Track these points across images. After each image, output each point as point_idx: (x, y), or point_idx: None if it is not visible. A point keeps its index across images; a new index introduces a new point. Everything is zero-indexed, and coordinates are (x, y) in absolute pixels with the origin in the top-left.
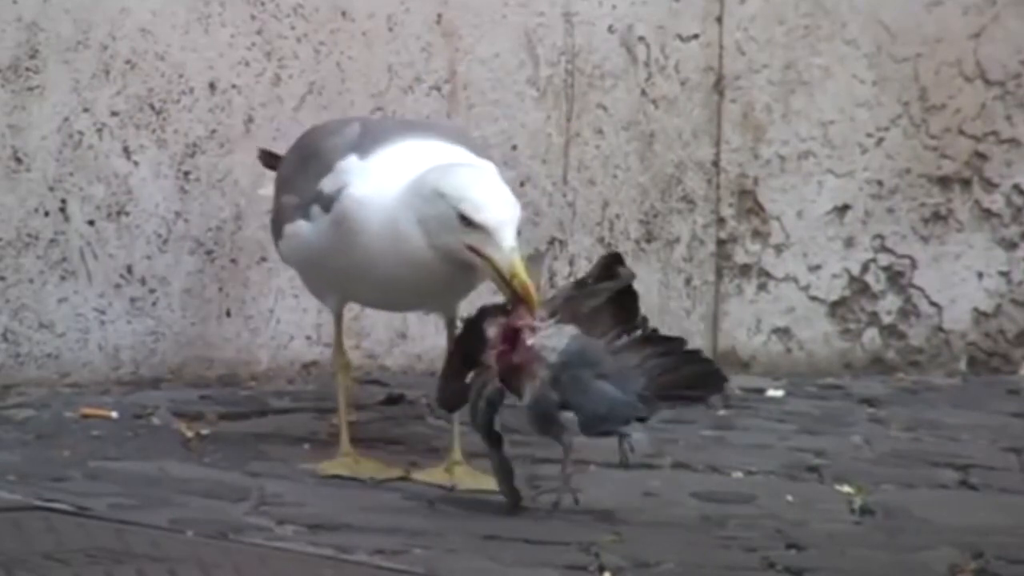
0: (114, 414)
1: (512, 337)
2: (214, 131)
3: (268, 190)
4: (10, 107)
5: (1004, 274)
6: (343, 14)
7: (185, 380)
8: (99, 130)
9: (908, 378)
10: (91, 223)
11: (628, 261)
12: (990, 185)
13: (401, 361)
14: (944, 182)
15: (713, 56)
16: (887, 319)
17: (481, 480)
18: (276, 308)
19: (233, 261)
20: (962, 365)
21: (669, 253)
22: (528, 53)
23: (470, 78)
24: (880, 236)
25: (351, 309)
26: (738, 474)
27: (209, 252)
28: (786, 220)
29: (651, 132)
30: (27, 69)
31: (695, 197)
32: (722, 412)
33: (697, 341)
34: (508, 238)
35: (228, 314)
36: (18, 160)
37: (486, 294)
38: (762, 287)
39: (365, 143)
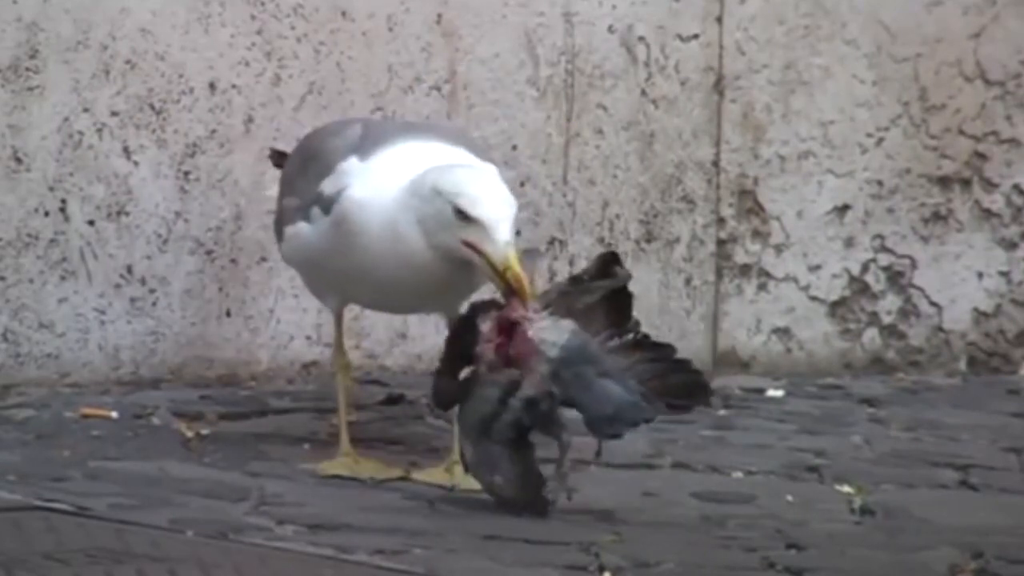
0: (114, 414)
1: (508, 329)
2: (214, 131)
3: (274, 191)
4: (10, 107)
5: (1004, 274)
6: (343, 14)
7: (185, 380)
8: (99, 130)
9: (908, 378)
10: (91, 223)
11: (628, 261)
12: (990, 185)
13: (401, 361)
14: (944, 182)
15: (713, 56)
16: (887, 319)
17: None
18: (276, 308)
19: (233, 261)
20: (962, 365)
21: (669, 253)
22: (528, 53)
23: (470, 78)
24: (880, 236)
25: (351, 309)
26: (738, 474)
27: (209, 252)
28: (786, 220)
29: (651, 132)
30: (27, 69)
31: (695, 197)
32: (722, 412)
33: (697, 341)
34: (504, 233)
35: (228, 314)
36: (18, 160)
37: (487, 295)
38: (762, 287)
39: (366, 145)
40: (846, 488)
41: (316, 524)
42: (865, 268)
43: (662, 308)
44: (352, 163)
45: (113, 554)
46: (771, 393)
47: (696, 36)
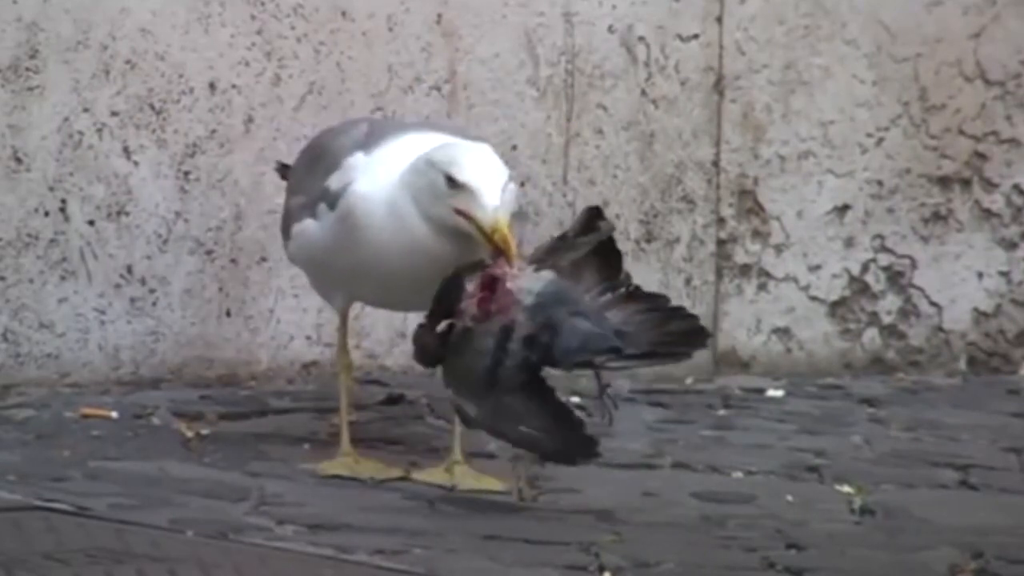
0: (114, 414)
1: (491, 284)
2: (214, 131)
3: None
4: (10, 107)
5: (1004, 274)
6: (343, 14)
7: (185, 380)
8: (99, 130)
9: (908, 378)
10: (91, 223)
11: (628, 261)
12: (990, 185)
13: (401, 361)
14: (944, 182)
15: (713, 56)
16: (887, 319)
17: (481, 480)
18: (276, 308)
19: (233, 261)
20: (962, 365)
21: (669, 253)
22: (528, 53)
23: (470, 78)
24: (880, 236)
25: (351, 309)
26: (738, 474)
27: (209, 252)
28: (786, 220)
29: (651, 132)
30: (27, 69)
31: (695, 197)
32: (722, 412)
33: None
34: (492, 197)
35: (228, 314)
36: (18, 160)
37: None
38: (762, 287)
39: (371, 140)
40: (846, 488)
41: (316, 524)
42: (865, 268)
43: None
44: (358, 158)
45: (113, 554)
46: (771, 393)
47: (696, 36)
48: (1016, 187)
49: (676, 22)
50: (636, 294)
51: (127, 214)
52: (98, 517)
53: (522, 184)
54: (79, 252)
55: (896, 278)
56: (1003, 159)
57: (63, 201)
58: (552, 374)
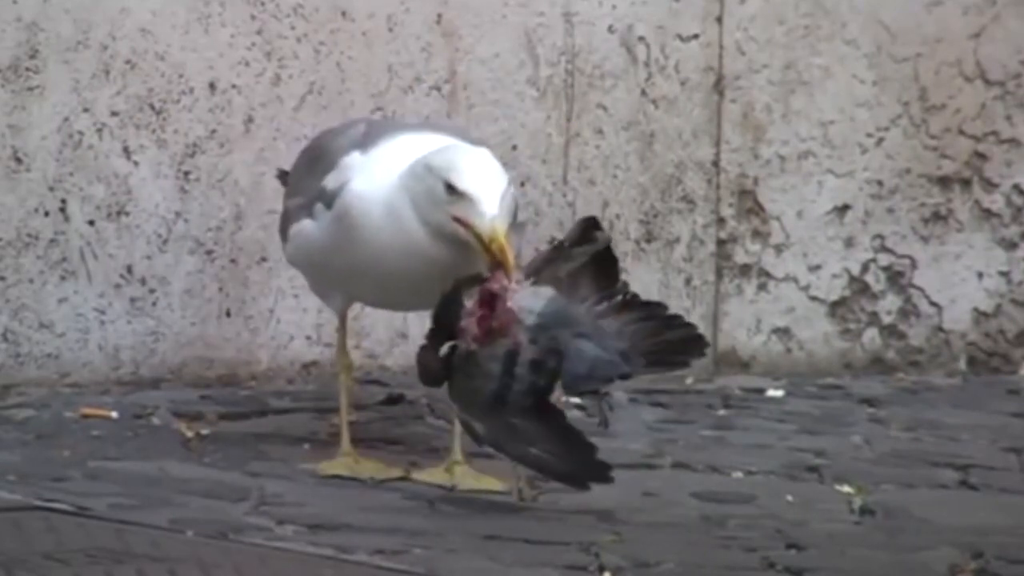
0: (114, 414)
1: (490, 301)
2: (214, 131)
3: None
4: (10, 107)
5: (1004, 274)
6: (343, 14)
7: (185, 380)
8: (99, 130)
9: (908, 378)
10: (91, 223)
11: (628, 261)
12: (990, 185)
13: (401, 361)
14: (944, 182)
15: (713, 56)
16: (887, 319)
17: (481, 480)
18: (276, 308)
19: (233, 261)
20: (962, 365)
21: (669, 253)
22: (528, 53)
23: (470, 78)
24: (880, 236)
25: (351, 308)
26: (738, 474)
27: (209, 252)
28: (786, 220)
29: (651, 132)
30: (27, 69)
31: (695, 197)
32: (722, 412)
33: None
34: (491, 206)
35: (228, 314)
36: (18, 160)
37: None
38: (762, 287)
39: (368, 140)
40: (846, 488)
41: (316, 524)
42: (865, 268)
43: None
44: (354, 157)
45: (113, 554)
46: (771, 393)
47: (696, 36)
48: (1016, 187)
49: (676, 22)
50: (633, 302)
51: (127, 214)
52: (98, 517)
53: (522, 184)
54: (79, 252)
55: (896, 278)
56: (1003, 159)
57: (63, 201)
58: None
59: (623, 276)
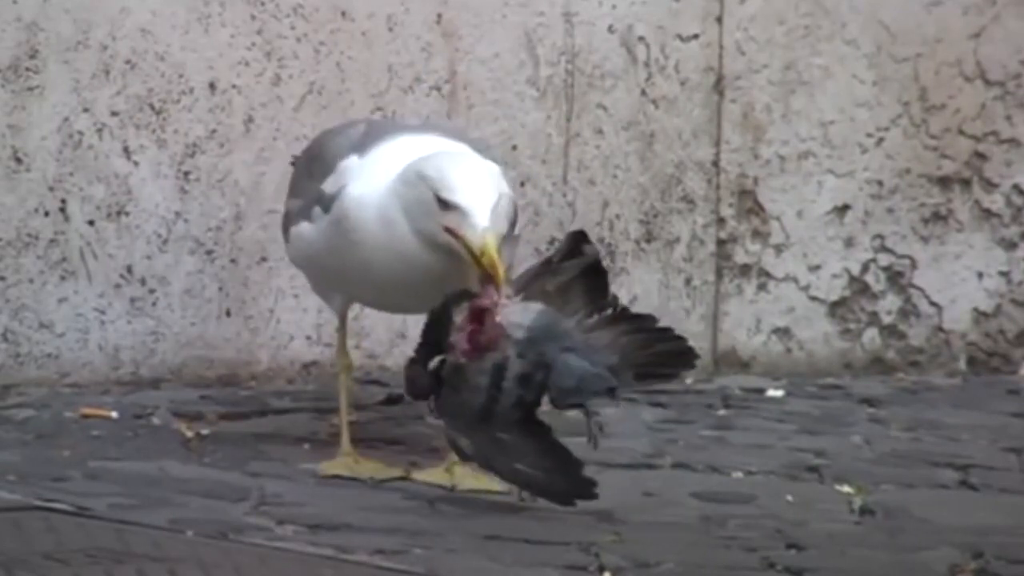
0: (114, 414)
1: (479, 316)
2: (214, 131)
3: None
4: (10, 107)
5: (1004, 274)
6: (343, 14)
7: (185, 380)
8: (99, 130)
9: (908, 378)
10: (91, 223)
11: (628, 261)
12: (990, 185)
13: (401, 361)
14: (944, 182)
15: (713, 56)
16: (887, 319)
17: (481, 480)
18: (276, 308)
19: (233, 261)
20: (962, 365)
21: (669, 253)
22: (528, 53)
23: (470, 78)
24: (880, 236)
25: (351, 309)
26: (738, 474)
27: (209, 252)
28: (786, 220)
29: (651, 132)
30: (27, 69)
31: (695, 197)
32: (722, 412)
33: (697, 341)
34: (482, 218)
35: (228, 314)
36: (18, 160)
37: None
38: (762, 287)
39: (366, 142)
40: (846, 488)
41: (316, 524)
42: (865, 268)
43: (662, 308)
44: (352, 161)
45: (113, 554)
46: (771, 393)
47: (696, 36)
48: (1016, 187)
49: (676, 22)
50: (623, 315)
51: (127, 214)
52: (98, 517)
53: (522, 184)
54: (79, 252)
55: (896, 278)
56: (1003, 159)
57: (63, 201)
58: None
59: (623, 276)
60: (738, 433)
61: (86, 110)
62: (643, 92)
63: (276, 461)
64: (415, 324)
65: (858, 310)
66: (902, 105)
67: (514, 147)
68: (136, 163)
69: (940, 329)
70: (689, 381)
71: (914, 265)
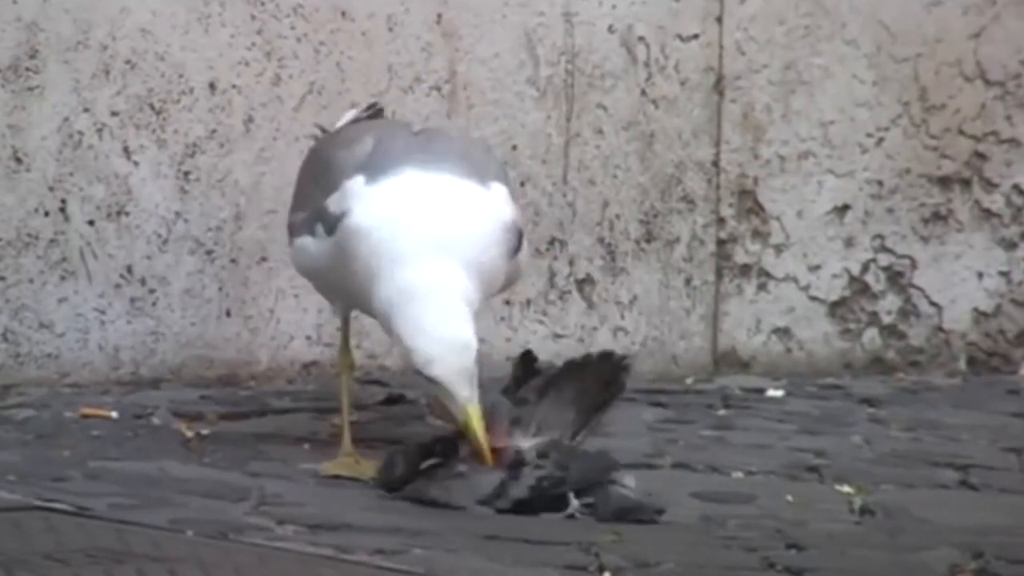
0: (114, 414)
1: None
2: (214, 131)
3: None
4: (10, 107)
5: (1004, 274)
6: (343, 14)
7: (185, 380)
8: (99, 130)
9: (908, 378)
10: (91, 223)
11: (628, 261)
12: (990, 185)
13: (401, 361)
14: (944, 182)
15: (713, 56)
16: (887, 319)
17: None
18: (276, 308)
19: (233, 261)
20: (962, 365)
21: (669, 253)
22: (528, 53)
23: (470, 78)
24: (880, 236)
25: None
26: (738, 474)
27: (209, 252)
28: (786, 220)
29: (651, 132)
30: (27, 69)
31: (695, 197)
32: (722, 412)
33: (697, 341)
34: (461, 390)
35: (228, 314)
36: (18, 160)
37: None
38: (762, 287)
39: (374, 162)
40: (846, 488)
41: (316, 524)
42: (865, 268)
43: (662, 308)
44: (358, 184)
45: (113, 554)
46: (771, 393)
47: (696, 36)
48: (1016, 187)
49: (676, 22)
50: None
51: (127, 214)
52: (98, 517)
53: (522, 184)
54: (79, 252)
55: (896, 278)
56: (1003, 159)
57: (63, 201)
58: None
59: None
60: (738, 433)
61: (86, 110)
62: (643, 92)
63: (276, 461)
64: None
65: (858, 310)
66: (902, 105)
67: (514, 147)
68: (136, 163)
69: (940, 329)
70: (689, 381)
71: (914, 265)
